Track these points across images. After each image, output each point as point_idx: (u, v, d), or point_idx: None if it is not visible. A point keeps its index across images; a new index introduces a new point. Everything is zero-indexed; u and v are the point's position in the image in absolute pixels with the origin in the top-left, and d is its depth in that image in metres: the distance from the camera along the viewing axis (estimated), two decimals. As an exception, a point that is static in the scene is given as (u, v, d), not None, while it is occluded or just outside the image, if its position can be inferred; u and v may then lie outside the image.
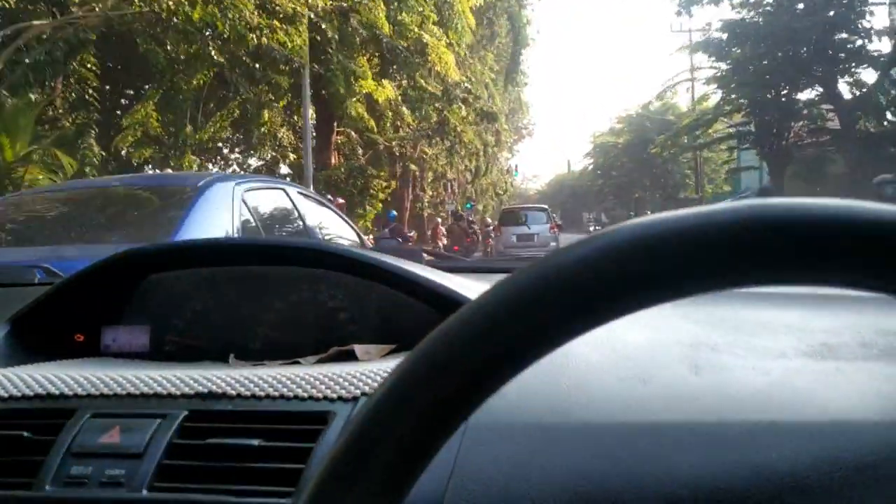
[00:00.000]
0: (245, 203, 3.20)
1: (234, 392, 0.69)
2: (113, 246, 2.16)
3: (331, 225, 4.24)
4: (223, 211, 3.02)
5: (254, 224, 3.21)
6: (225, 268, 0.98)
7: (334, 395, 0.67)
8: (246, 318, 0.95)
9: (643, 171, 41.81)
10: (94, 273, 0.98)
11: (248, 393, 0.69)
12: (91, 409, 0.70)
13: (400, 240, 12.88)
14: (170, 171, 10.32)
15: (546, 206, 21.39)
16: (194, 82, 11.30)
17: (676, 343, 0.71)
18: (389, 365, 0.74)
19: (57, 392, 0.73)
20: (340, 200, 11.42)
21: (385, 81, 13.91)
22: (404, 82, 14.93)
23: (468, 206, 25.49)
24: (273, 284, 0.95)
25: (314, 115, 14.30)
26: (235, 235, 2.94)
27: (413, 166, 19.77)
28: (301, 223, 3.78)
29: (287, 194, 3.80)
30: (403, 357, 0.31)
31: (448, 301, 0.82)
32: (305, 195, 4.17)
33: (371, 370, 0.71)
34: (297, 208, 3.80)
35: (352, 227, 4.70)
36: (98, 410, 0.70)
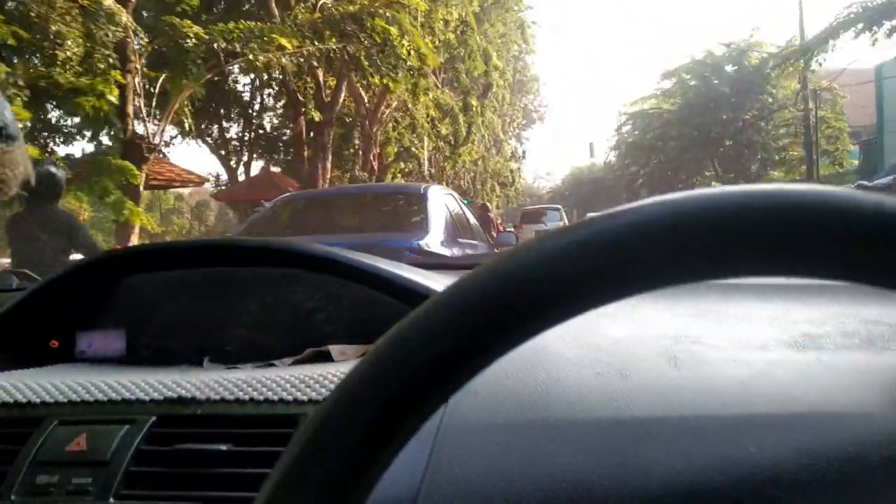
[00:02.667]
0: (445, 201, 4.64)
1: (203, 396, 0.67)
2: (387, 233, 3.91)
3: (471, 217, 5.64)
4: (441, 205, 4.45)
5: (448, 212, 4.51)
6: (199, 269, 0.96)
7: (305, 398, 0.66)
8: (221, 320, 0.94)
9: (706, 146, 29.64)
10: (68, 278, 0.96)
11: (217, 397, 0.67)
12: (58, 417, 0.68)
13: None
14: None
15: (559, 206, 25.17)
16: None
17: (655, 336, 0.70)
18: None
19: (24, 400, 0.71)
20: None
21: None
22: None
23: (465, 202, 23.16)
24: (248, 285, 0.94)
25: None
26: (451, 221, 4.39)
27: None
28: (464, 213, 5.23)
29: (454, 196, 5.25)
30: None
31: (425, 299, 0.80)
32: (457, 197, 5.56)
33: (345, 371, 0.70)
34: (460, 205, 5.28)
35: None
36: (65, 418, 0.68)
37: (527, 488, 0.52)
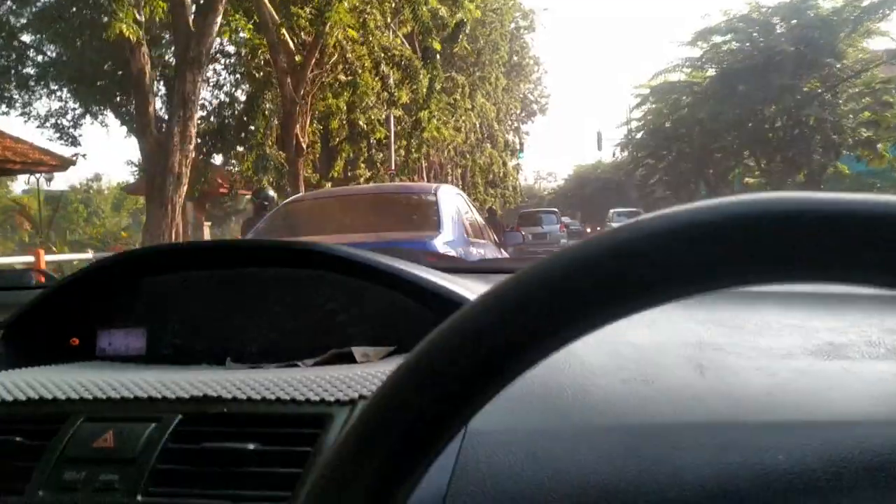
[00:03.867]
0: (456, 202, 4.78)
1: (229, 395, 0.68)
2: (400, 233, 4.04)
3: (478, 217, 5.65)
4: (453, 203, 4.59)
5: (459, 213, 4.61)
6: (221, 270, 0.97)
7: (332, 398, 0.66)
8: (243, 320, 0.94)
9: (749, 129, 21.68)
10: (89, 276, 0.97)
11: (243, 396, 0.67)
12: (84, 414, 0.69)
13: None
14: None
15: (556, 210, 25.42)
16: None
17: (680, 344, 0.70)
18: (388, 367, 0.72)
19: (50, 396, 0.72)
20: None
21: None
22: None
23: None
24: (270, 286, 0.94)
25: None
26: (462, 218, 4.55)
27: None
28: (472, 213, 5.32)
29: (463, 196, 5.34)
30: (403, 359, 0.30)
31: (448, 303, 0.81)
32: (465, 197, 5.65)
33: (370, 373, 0.70)
34: (469, 205, 5.36)
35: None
36: (91, 415, 0.69)
37: (552, 495, 0.52)
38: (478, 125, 19.55)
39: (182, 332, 0.96)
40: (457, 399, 0.29)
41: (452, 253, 3.70)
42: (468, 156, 22.90)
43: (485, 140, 23.80)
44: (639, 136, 30.36)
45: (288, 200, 5.18)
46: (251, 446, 0.63)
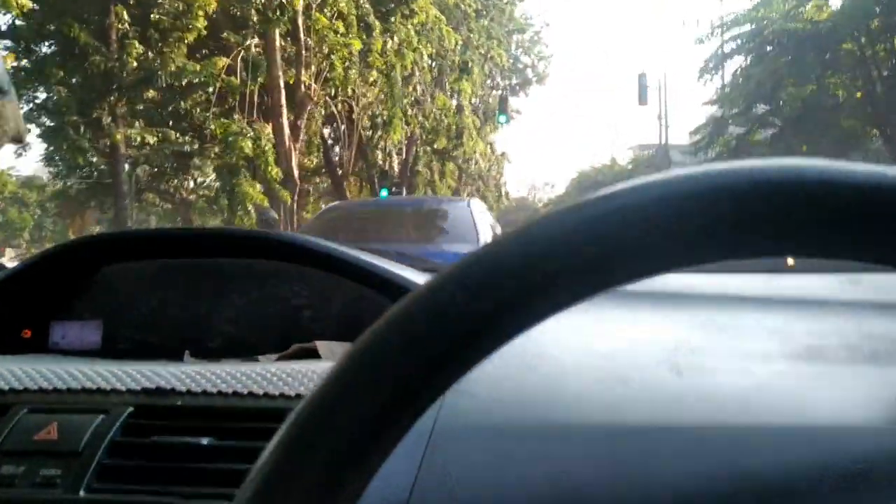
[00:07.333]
0: (486, 217, 5.09)
1: (183, 388, 0.64)
2: (441, 244, 4.31)
3: (499, 229, 5.93)
4: (484, 214, 4.93)
5: (490, 225, 4.89)
6: (182, 260, 0.93)
7: (292, 393, 0.63)
8: (204, 313, 0.91)
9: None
10: (42, 264, 0.93)
11: (198, 389, 0.64)
12: (27, 405, 0.65)
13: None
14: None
15: None
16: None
17: (657, 344, 0.68)
18: None
19: None
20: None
21: None
22: None
23: (383, 191, 14.13)
24: (233, 278, 0.91)
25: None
26: (492, 229, 4.69)
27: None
28: (496, 226, 5.60)
29: (487, 211, 5.69)
30: None
31: None
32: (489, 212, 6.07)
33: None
34: (492, 218, 5.74)
35: None
36: (35, 406, 0.65)
37: (522, 495, 0.50)
38: (426, 63, 12.94)
39: (140, 325, 0.93)
40: (397, 400, 0.26)
41: None
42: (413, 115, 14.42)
43: (434, 86, 15.36)
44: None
45: (325, 209, 5.54)
46: (205, 441, 0.60)
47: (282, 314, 0.89)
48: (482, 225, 4.49)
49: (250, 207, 10.48)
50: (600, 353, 0.66)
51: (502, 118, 16.62)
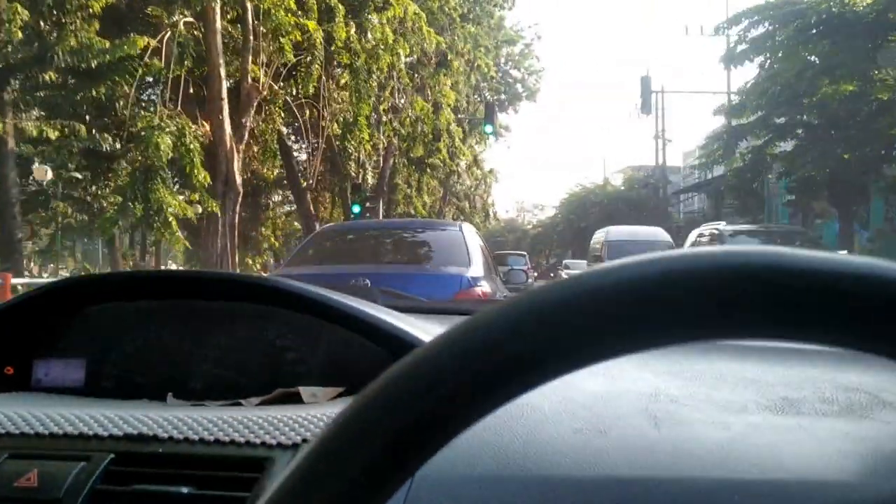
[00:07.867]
0: (477, 239, 4.94)
1: (165, 434, 0.64)
2: (434, 265, 4.32)
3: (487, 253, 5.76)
4: (475, 238, 4.82)
5: (481, 248, 4.75)
6: (167, 301, 0.93)
7: (273, 442, 0.63)
8: (188, 354, 0.91)
9: None
10: (28, 303, 0.93)
11: (180, 436, 0.64)
12: (8, 450, 0.65)
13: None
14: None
15: (525, 253, 23.10)
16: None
17: (635, 393, 0.69)
18: (335, 409, 0.70)
19: None
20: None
21: None
22: None
23: (355, 206, 13.79)
24: (218, 320, 0.91)
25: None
26: (482, 251, 4.61)
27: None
28: (486, 248, 5.35)
29: (478, 234, 5.43)
30: (352, 400, 0.28)
31: (402, 343, 0.79)
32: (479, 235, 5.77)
33: (315, 415, 0.67)
34: (483, 241, 5.44)
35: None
36: (16, 451, 0.64)
37: None
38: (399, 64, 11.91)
39: (124, 365, 0.92)
40: (400, 452, 0.27)
41: (483, 284, 3.96)
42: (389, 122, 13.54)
43: (412, 90, 14.58)
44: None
45: (318, 231, 5.46)
46: (185, 490, 0.59)
47: (266, 356, 0.89)
48: (473, 248, 4.50)
49: (170, 218, 9.02)
50: (577, 401, 0.66)
51: (488, 128, 15.12)
